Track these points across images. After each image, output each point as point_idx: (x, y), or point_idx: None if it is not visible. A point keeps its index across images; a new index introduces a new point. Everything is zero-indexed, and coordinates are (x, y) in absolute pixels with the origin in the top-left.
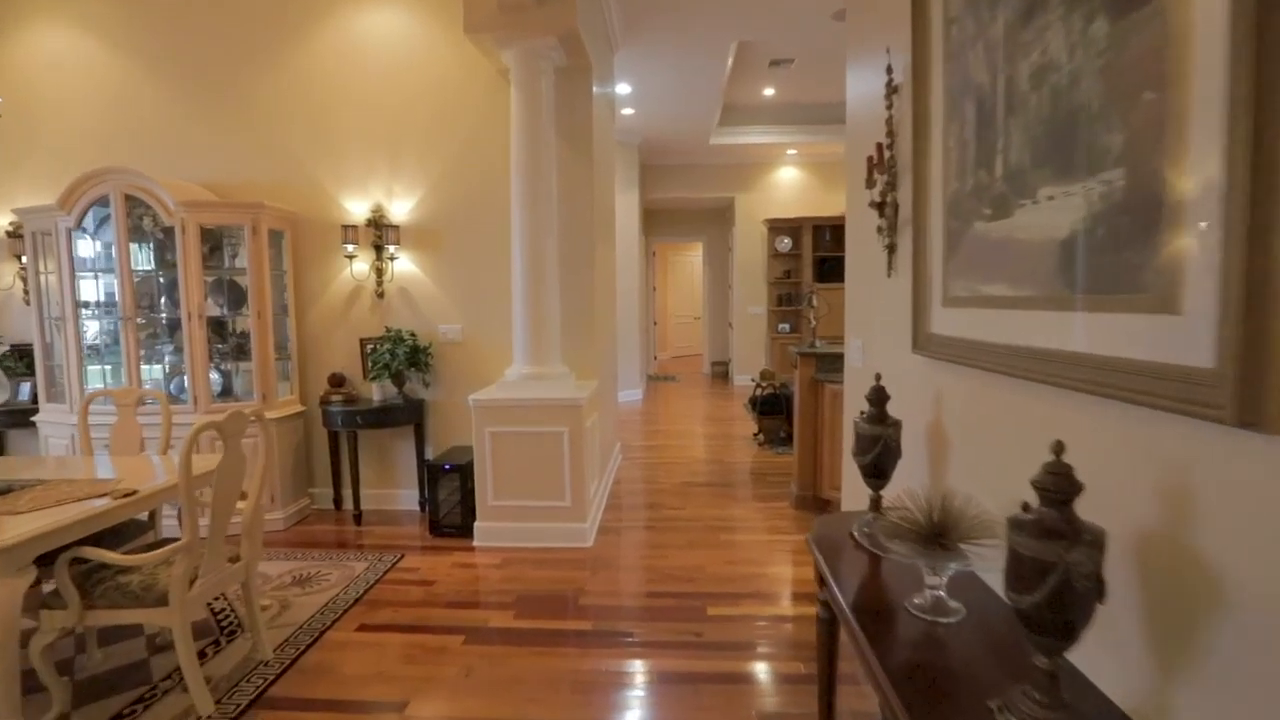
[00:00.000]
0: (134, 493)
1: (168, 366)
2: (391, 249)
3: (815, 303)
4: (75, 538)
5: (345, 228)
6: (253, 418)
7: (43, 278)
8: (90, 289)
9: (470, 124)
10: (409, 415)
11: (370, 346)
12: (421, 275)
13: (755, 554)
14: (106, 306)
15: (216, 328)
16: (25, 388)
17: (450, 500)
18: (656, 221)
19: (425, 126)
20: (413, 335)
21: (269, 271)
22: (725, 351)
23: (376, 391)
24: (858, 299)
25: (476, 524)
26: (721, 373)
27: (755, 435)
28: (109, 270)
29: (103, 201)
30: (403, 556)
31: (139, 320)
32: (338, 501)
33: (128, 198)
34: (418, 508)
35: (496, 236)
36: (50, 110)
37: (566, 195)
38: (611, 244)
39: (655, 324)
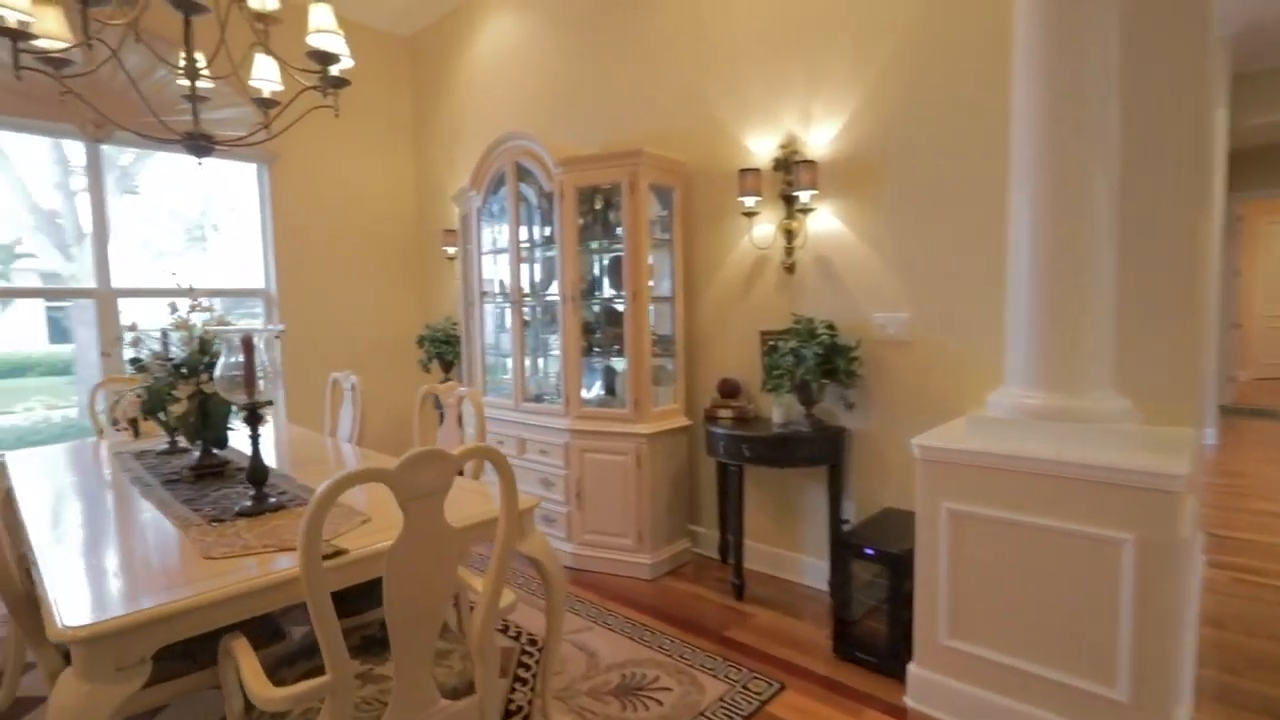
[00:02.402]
0: (340, 552)
1: (547, 360)
2: (805, 197)
3: None
4: (227, 620)
5: (743, 173)
6: (471, 456)
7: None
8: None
9: None
10: (819, 450)
11: (770, 343)
12: (848, 235)
13: None
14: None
15: (608, 316)
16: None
17: (870, 598)
18: (1246, 168)
19: (855, 2)
20: (830, 328)
21: (648, 241)
22: None
23: (776, 410)
24: None
25: (912, 668)
26: None
27: None
28: (504, 252)
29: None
30: (781, 690)
31: (527, 307)
32: (724, 552)
33: (518, 166)
34: (825, 589)
35: (978, 166)
36: (496, 94)
37: (1138, 80)
38: (1210, 194)
39: (1238, 327)
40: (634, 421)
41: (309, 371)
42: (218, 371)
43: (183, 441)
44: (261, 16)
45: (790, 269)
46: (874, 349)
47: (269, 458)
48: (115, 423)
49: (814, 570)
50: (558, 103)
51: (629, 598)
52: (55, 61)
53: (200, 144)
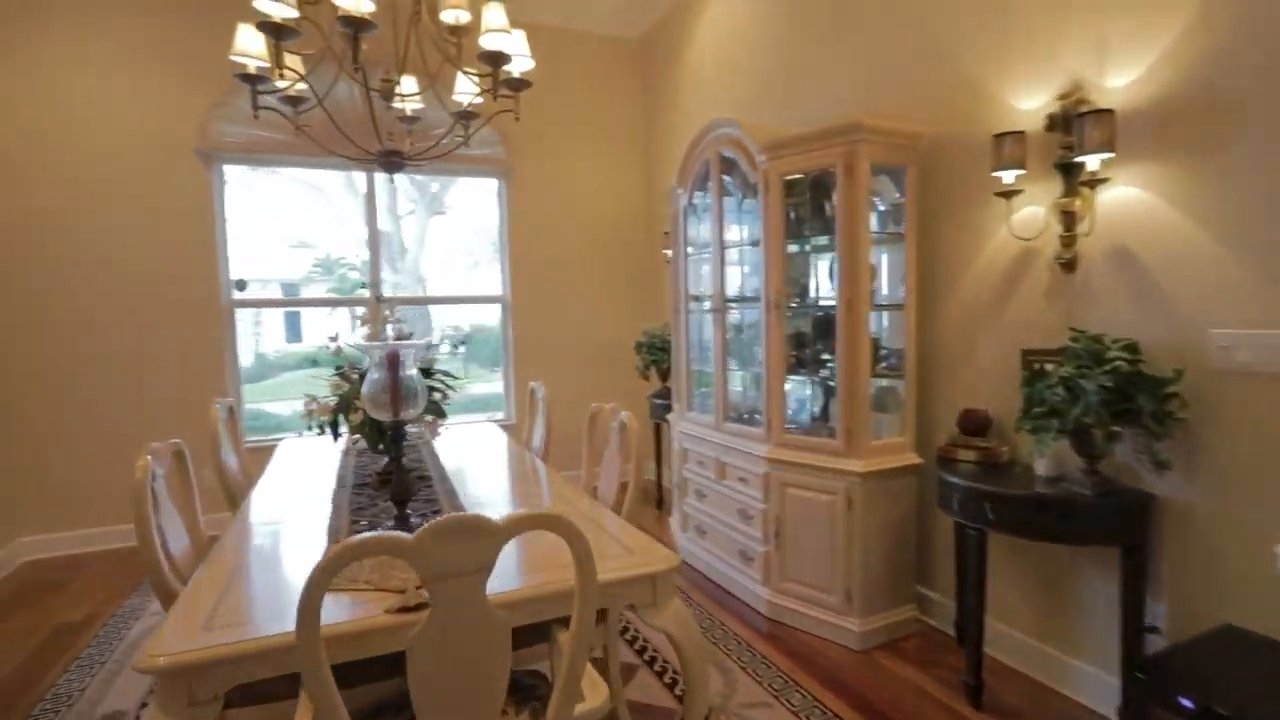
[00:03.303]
0: (423, 606)
1: (756, 376)
2: (1094, 163)
3: None
4: (292, 669)
5: (1001, 139)
6: (525, 527)
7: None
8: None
9: None
10: (1107, 524)
11: (1035, 366)
12: (1167, 215)
13: None
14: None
15: (820, 327)
16: None
17: None
18: None
19: None
20: (1130, 350)
21: (869, 235)
22: None
23: (1040, 458)
24: None
25: None
26: None
27: None
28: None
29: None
30: None
31: (734, 314)
32: (961, 631)
33: (721, 158)
34: (1110, 717)
35: None
36: (717, 83)
37: None
38: None
39: None
40: (845, 455)
41: (536, 377)
42: (364, 388)
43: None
44: (455, 30)
45: (1069, 265)
46: (1208, 383)
47: (470, 467)
48: (309, 426)
49: (1093, 684)
50: (780, 83)
51: (828, 671)
52: (292, 100)
53: (391, 161)
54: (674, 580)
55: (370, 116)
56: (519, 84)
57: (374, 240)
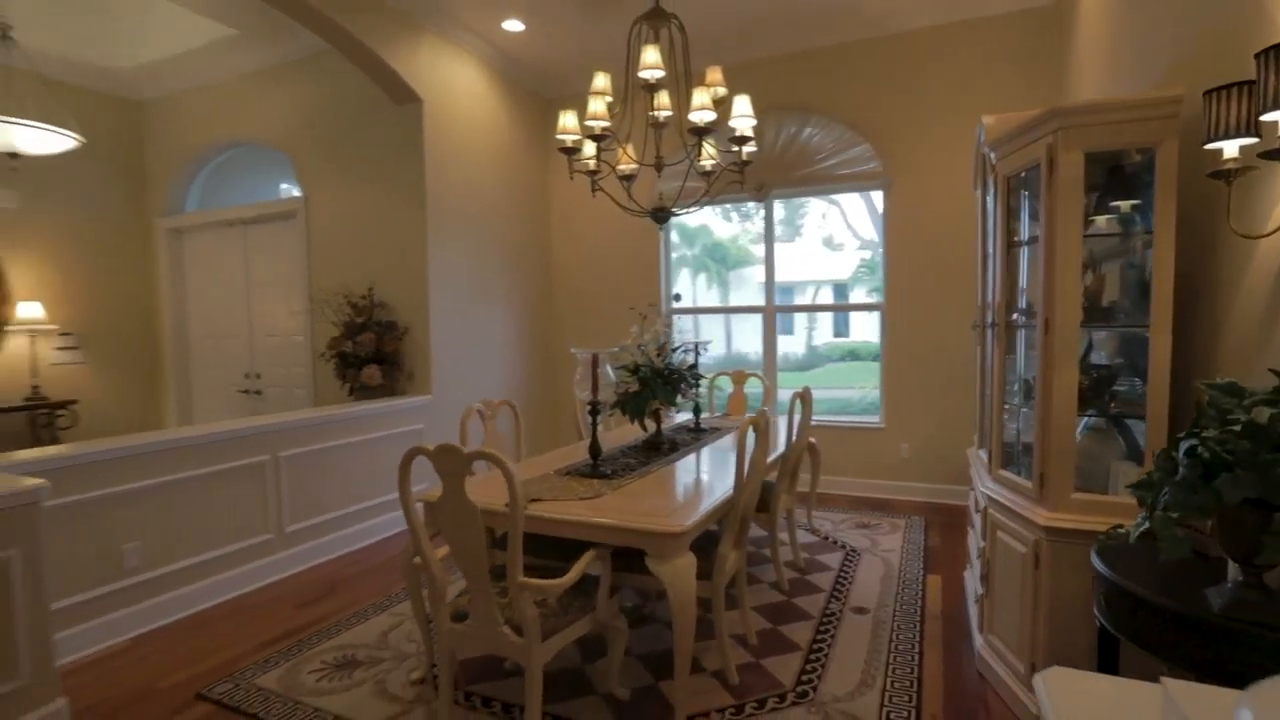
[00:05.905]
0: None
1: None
2: None
3: None
4: None
5: (1213, 98)
6: (476, 458)
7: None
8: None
9: None
10: (1254, 657)
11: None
12: None
13: None
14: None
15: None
16: None
17: None
18: None
19: None
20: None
21: (1078, 240)
22: None
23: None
24: None
25: None
26: None
27: None
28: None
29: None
30: None
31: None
32: None
33: (983, 160)
34: None
35: None
36: (1106, 46)
37: None
38: None
39: None
40: (1035, 503)
41: (906, 385)
42: (576, 376)
43: (703, 422)
44: (697, 129)
45: None
46: None
47: (718, 449)
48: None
49: None
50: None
51: None
52: (626, 179)
53: (658, 215)
54: (677, 544)
55: (622, 186)
56: (742, 140)
57: (770, 253)
